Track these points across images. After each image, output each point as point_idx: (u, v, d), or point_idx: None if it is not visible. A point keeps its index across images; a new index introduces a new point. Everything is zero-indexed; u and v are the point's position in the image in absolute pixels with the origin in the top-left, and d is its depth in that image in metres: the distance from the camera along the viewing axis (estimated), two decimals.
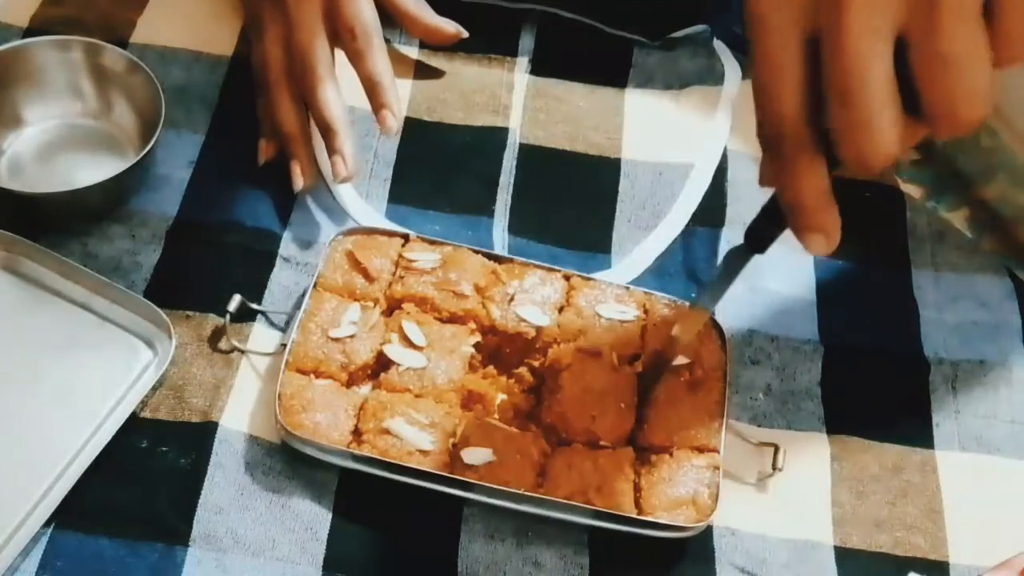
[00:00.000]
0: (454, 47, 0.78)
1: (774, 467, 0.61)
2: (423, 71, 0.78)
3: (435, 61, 0.78)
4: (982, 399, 0.67)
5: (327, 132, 0.68)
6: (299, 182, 0.68)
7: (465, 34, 0.76)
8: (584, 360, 0.62)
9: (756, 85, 0.45)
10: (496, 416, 0.62)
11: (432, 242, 0.66)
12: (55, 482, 0.57)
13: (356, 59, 0.69)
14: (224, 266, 0.67)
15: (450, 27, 0.75)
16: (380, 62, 0.69)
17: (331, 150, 0.67)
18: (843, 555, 0.61)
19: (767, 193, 0.74)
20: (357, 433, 0.58)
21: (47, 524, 0.56)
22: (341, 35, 0.69)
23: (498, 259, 0.66)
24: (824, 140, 0.44)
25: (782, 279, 0.71)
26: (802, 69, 0.44)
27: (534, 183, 0.73)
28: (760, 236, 0.53)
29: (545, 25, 0.80)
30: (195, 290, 0.65)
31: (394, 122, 0.68)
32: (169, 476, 0.59)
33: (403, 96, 0.75)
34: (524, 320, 0.63)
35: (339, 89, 0.68)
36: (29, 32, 0.76)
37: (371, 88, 0.69)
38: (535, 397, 0.63)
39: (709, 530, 0.60)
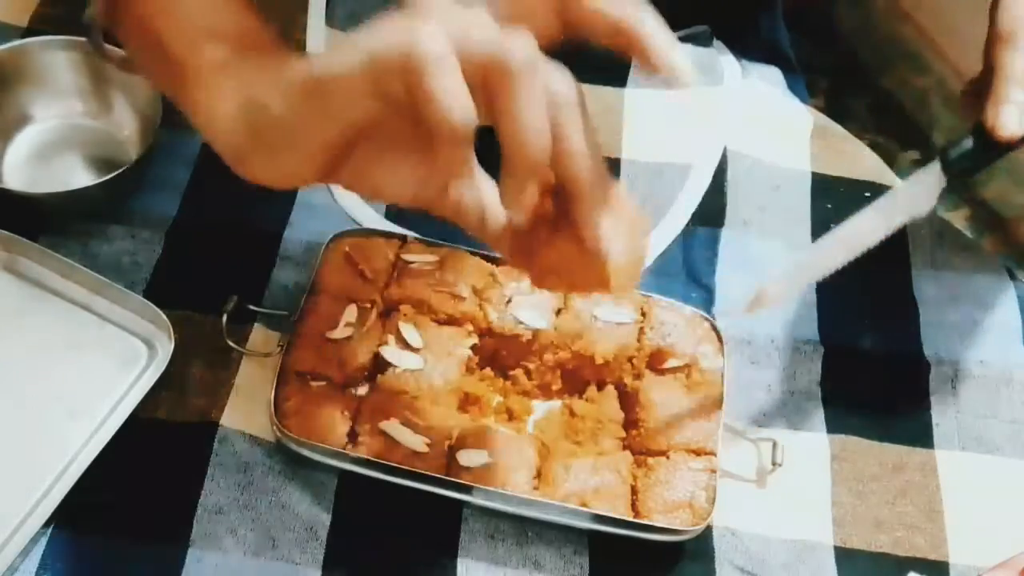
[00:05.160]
0: None
1: (773, 463, 0.61)
2: None
3: None
4: (982, 399, 0.67)
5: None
6: None
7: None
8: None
9: None
10: (493, 418, 0.62)
11: (430, 244, 0.66)
12: (55, 482, 0.57)
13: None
14: (224, 266, 0.67)
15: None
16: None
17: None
18: (843, 555, 0.61)
19: (766, 191, 0.74)
20: (353, 435, 0.58)
21: (47, 524, 0.56)
22: None
23: (496, 261, 0.66)
24: None
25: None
26: None
27: None
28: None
29: None
30: (195, 290, 0.65)
31: None
32: (169, 476, 0.59)
33: None
34: (521, 322, 0.63)
35: None
36: (29, 32, 0.76)
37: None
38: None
39: (709, 530, 0.60)
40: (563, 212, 0.44)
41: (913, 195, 0.58)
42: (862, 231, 0.58)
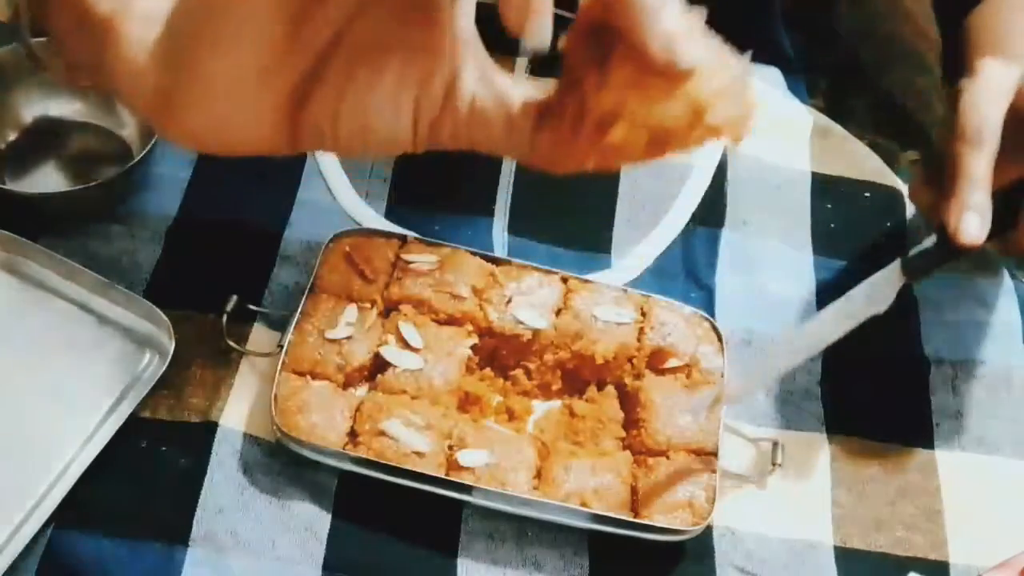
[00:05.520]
0: None
1: (773, 463, 0.61)
2: None
3: None
4: (982, 399, 0.67)
5: None
6: None
7: None
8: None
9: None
10: (493, 418, 0.62)
11: (430, 244, 0.66)
12: (55, 482, 0.57)
13: None
14: (224, 266, 0.67)
15: None
16: None
17: None
18: (843, 555, 0.61)
19: (766, 191, 0.74)
20: (353, 435, 0.58)
21: (47, 524, 0.56)
22: None
23: (496, 261, 0.66)
24: None
25: (782, 279, 0.71)
26: None
27: (534, 183, 0.73)
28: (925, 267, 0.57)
29: None
30: (195, 290, 0.65)
31: None
32: (169, 476, 0.59)
33: None
34: (521, 322, 0.63)
35: None
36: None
37: None
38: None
39: (709, 530, 0.60)
40: (614, 42, 0.34)
41: (873, 295, 0.59)
42: (823, 331, 0.59)
